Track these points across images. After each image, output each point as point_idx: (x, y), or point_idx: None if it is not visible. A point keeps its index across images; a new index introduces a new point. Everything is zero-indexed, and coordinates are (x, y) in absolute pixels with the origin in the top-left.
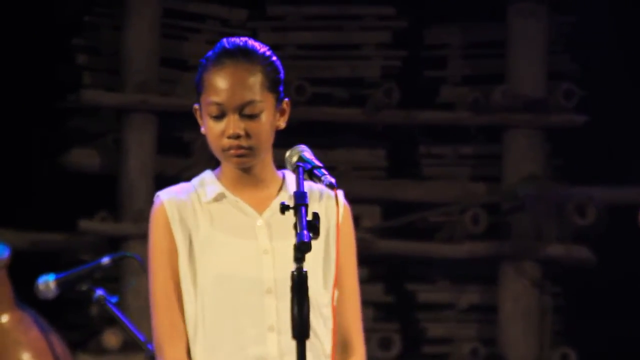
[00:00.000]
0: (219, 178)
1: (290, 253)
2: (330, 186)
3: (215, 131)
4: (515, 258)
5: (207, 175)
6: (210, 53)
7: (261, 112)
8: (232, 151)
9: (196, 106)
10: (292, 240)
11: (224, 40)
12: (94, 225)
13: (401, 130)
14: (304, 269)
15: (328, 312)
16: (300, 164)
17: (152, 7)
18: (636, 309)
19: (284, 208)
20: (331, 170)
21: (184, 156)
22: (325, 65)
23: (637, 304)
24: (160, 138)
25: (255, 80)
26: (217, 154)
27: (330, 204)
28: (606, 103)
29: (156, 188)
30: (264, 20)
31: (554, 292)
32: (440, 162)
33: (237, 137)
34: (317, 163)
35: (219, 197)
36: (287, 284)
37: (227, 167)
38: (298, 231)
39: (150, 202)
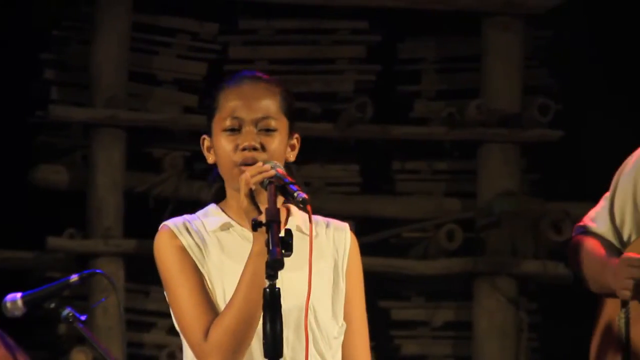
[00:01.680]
0: (224, 209)
1: (300, 284)
2: (303, 202)
3: (229, 147)
4: (491, 274)
5: (212, 207)
6: (225, 80)
7: (276, 130)
8: (247, 164)
9: (205, 136)
10: (302, 271)
11: (241, 71)
12: (63, 243)
13: (375, 145)
14: (277, 287)
15: (337, 343)
16: (273, 180)
17: (121, 21)
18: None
19: (256, 225)
20: (304, 186)
21: (153, 172)
22: (298, 79)
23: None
24: (129, 154)
25: (273, 99)
26: (229, 173)
27: (338, 235)
28: (582, 118)
29: (125, 204)
30: (235, 34)
31: (529, 309)
32: (415, 178)
33: (253, 149)
34: (290, 179)
35: (225, 227)
36: (297, 314)
37: (233, 196)
38: (270, 248)
39: (119, 218)
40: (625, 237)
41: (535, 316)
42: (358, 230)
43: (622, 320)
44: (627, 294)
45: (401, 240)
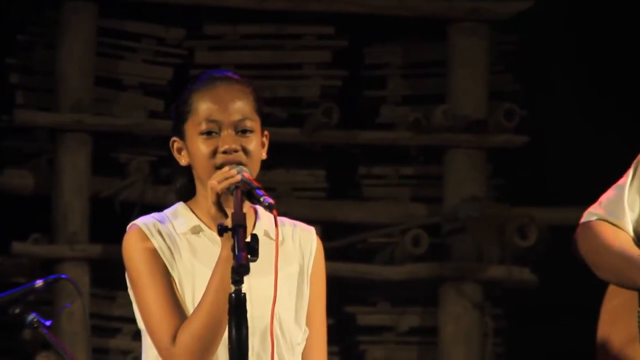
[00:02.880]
0: (193, 210)
1: (266, 291)
2: (269, 207)
3: (207, 150)
4: (456, 279)
5: (180, 207)
6: (194, 82)
7: (253, 131)
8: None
9: (175, 138)
10: (268, 277)
11: (209, 71)
12: (27, 248)
13: (341, 150)
14: (243, 292)
15: (300, 349)
16: (239, 185)
17: (87, 26)
18: (578, 329)
19: (222, 230)
20: (270, 191)
21: (119, 177)
22: (264, 84)
23: (578, 324)
24: (95, 158)
25: (247, 100)
26: (206, 175)
27: (304, 239)
28: (547, 123)
29: (91, 209)
30: (201, 39)
31: (495, 314)
32: (381, 183)
33: (234, 152)
34: (256, 184)
35: (195, 230)
36: (262, 322)
37: (204, 197)
38: (236, 253)
39: (85, 223)
40: (639, 231)
41: (501, 321)
42: (324, 236)
43: None
44: None
45: (367, 245)
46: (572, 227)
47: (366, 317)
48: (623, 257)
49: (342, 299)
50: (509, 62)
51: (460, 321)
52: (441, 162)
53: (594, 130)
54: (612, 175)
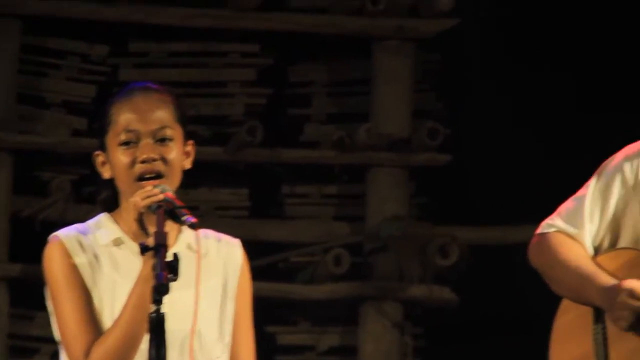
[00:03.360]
0: (116, 222)
1: (186, 306)
2: (192, 226)
3: (126, 160)
4: (377, 299)
5: (103, 218)
6: (115, 94)
7: (173, 139)
8: (146, 176)
9: (97, 152)
10: (189, 290)
11: (130, 83)
12: None
13: (264, 169)
14: (162, 312)
15: None
16: (162, 204)
17: (10, 43)
18: (498, 349)
19: (144, 249)
20: (193, 210)
21: (41, 196)
22: (189, 102)
23: (498, 344)
24: (16, 177)
25: (167, 109)
26: (127, 186)
27: (229, 252)
28: (470, 142)
29: (11, 229)
30: (126, 57)
31: (415, 333)
32: (304, 202)
33: (153, 161)
34: (179, 203)
35: (117, 242)
36: (181, 337)
37: (127, 210)
38: (156, 272)
39: (5, 242)
40: (597, 241)
41: (420, 340)
42: (247, 255)
43: (600, 336)
44: (623, 324)
45: (289, 264)
46: (493, 246)
47: (287, 336)
48: (578, 273)
49: (262, 319)
50: (433, 81)
51: (380, 340)
52: (364, 180)
53: (517, 150)
54: (534, 194)
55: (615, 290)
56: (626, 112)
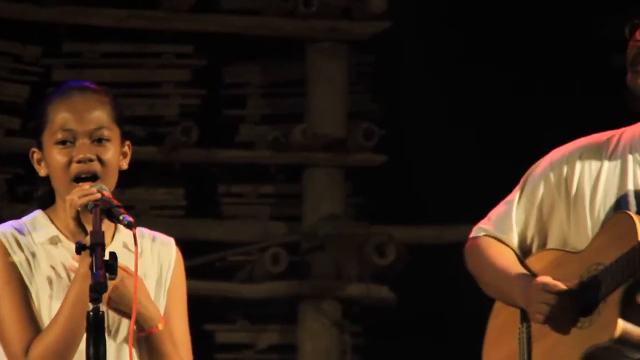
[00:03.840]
0: (52, 220)
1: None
2: (129, 226)
3: (62, 160)
4: (315, 298)
5: (39, 216)
6: (52, 93)
7: (109, 140)
8: (82, 176)
9: (34, 149)
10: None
11: (67, 82)
12: None
13: (200, 169)
14: (101, 311)
15: None
16: (99, 203)
17: None
18: (436, 347)
19: (79, 248)
20: (129, 210)
21: None
22: (124, 103)
23: (436, 342)
24: None
25: (104, 109)
26: (63, 186)
27: (163, 251)
28: (405, 142)
29: None
30: (59, 58)
31: (353, 332)
32: (240, 201)
33: (89, 161)
34: (116, 202)
35: (54, 241)
36: (121, 335)
37: (63, 208)
38: (93, 271)
39: None
40: (527, 244)
41: (359, 339)
42: (183, 254)
43: (524, 335)
44: (540, 318)
45: (226, 263)
46: (429, 245)
47: (225, 334)
48: (504, 275)
49: (201, 317)
50: (368, 82)
51: (319, 339)
52: (300, 180)
53: (452, 150)
54: (470, 194)
55: (531, 286)
56: (562, 110)
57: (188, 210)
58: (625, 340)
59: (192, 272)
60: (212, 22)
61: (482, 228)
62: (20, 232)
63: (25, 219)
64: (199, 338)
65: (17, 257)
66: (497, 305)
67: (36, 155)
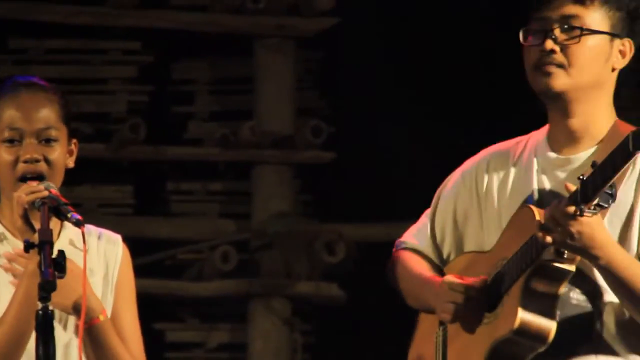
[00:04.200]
0: None
1: None
2: (77, 223)
3: (9, 158)
4: (265, 296)
5: None
6: (0, 88)
7: (57, 140)
8: (28, 177)
9: None
10: None
11: (15, 77)
12: None
13: (149, 166)
14: (50, 309)
15: None
16: (47, 201)
17: None
18: (385, 345)
19: (28, 246)
20: (76, 207)
21: None
22: (70, 100)
23: (386, 340)
24: None
25: (52, 108)
26: (9, 185)
27: (109, 248)
28: (354, 140)
29: None
30: (5, 54)
31: (303, 330)
32: (189, 199)
33: (35, 161)
34: (64, 200)
35: (0, 238)
36: (68, 335)
37: (9, 206)
38: (42, 269)
39: None
40: (445, 255)
41: (309, 337)
42: (132, 252)
43: (440, 339)
44: (447, 317)
45: (176, 261)
46: (379, 243)
47: (175, 333)
48: (419, 282)
49: (151, 316)
50: (316, 79)
51: (269, 337)
52: (249, 178)
53: (400, 147)
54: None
55: (438, 285)
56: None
57: (136, 208)
58: (524, 331)
59: (141, 270)
60: (160, 18)
61: (402, 241)
62: None
63: None
64: (149, 337)
65: None
66: (421, 315)
67: None
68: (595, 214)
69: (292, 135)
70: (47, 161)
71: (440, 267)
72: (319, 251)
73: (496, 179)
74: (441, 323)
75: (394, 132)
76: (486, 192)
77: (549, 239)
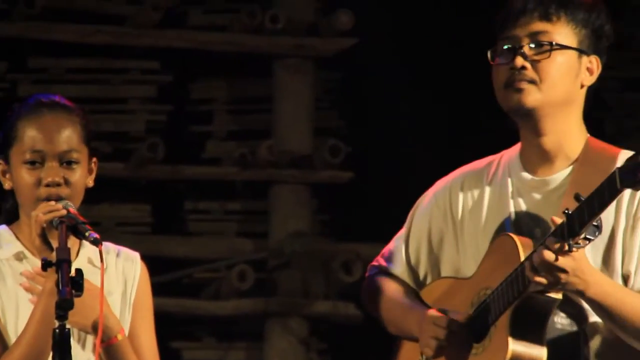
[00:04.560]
0: (17, 236)
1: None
2: (95, 242)
3: (30, 180)
4: (282, 315)
5: (3, 232)
6: (22, 106)
7: (78, 162)
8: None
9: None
10: None
11: (36, 95)
12: None
13: (167, 185)
14: (67, 327)
15: None
16: (65, 220)
17: None
18: None
19: (45, 265)
20: (94, 226)
21: None
22: (89, 119)
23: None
24: None
25: (74, 129)
26: (29, 204)
27: (128, 266)
28: (372, 159)
29: None
30: (24, 73)
31: (320, 349)
32: (207, 218)
33: (57, 185)
34: (82, 218)
35: (19, 257)
36: (87, 354)
37: (27, 224)
38: (60, 288)
39: None
40: (421, 278)
41: (326, 356)
42: (149, 271)
43: None
44: (429, 352)
45: (193, 280)
46: None
47: (192, 352)
48: (399, 309)
49: (167, 334)
50: (334, 99)
51: (286, 356)
52: (267, 197)
53: (417, 167)
54: None
55: (422, 319)
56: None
57: (154, 226)
58: None
59: (159, 289)
60: (179, 38)
61: (374, 266)
62: None
63: None
64: (165, 356)
65: None
66: (402, 340)
67: (1, 167)
68: (582, 247)
69: (310, 155)
70: (67, 183)
71: (416, 290)
72: (336, 271)
73: (471, 201)
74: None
75: (412, 151)
76: (462, 216)
77: (541, 280)
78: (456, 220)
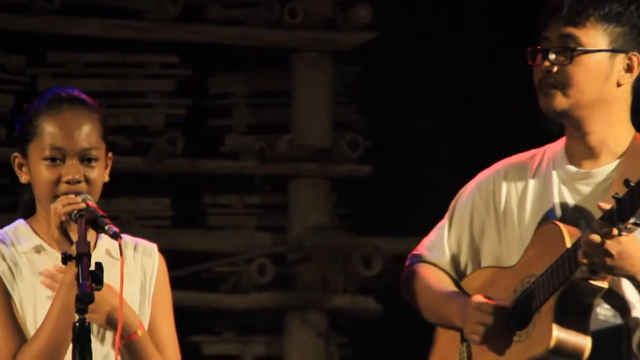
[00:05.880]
0: (34, 229)
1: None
2: (114, 236)
3: (50, 177)
4: (302, 309)
5: (21, 225)
6: (41, 100)
7: (98, 159)
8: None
9: (16, 154)
10: None
11: (54, 89)
12: None
13: (186, 179)
14: (87, 321)
15: None
16: (84, 213)
17: None
18: (421, 359)
19: (66, 258)
20: (114, 220)
21: None
22: (108, 113)
23: (421, 354)
24: None
25: (94, 126)
26: (47, 200)
27: (146, 258)
28: (391, 153)
29: None
30: (43, 67)
31: (340, 343)
32: (226, 212)
33: (77, 182)
34: (101, 212)
35: (37, 249)
36: (106, 346)
37: (46, 217)
38: (80, 281)
39: None
40: (461, 267)
41: (346, 350)
42: (168, 264)
43: (465, 355)
44: (476, 338)
45: (212, 274)
46: None
47: (211, 346)
48: (440, 298)
49: (187, 328)
50: (353, 93)
51: (305, 350)
52: (286, 191)
53: (437, 161)
54: None
55: (466, 306)
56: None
57: (174, 220)
58: (560, 350)
59: (178, 282)
60: (197, 32)
61: (415, 255)
62: (3, 242)
63: (7, 229)
64: (185, 350)
65: (1, 267)
66: (439, 329)
67: (18, 160)
68: (631, 232)
69: (329, 149)
70: (87, 181)
71: (457, 280)
72: (356, 264)
73: (514, 192)
74: (464, 339)
75: (431, 145)
76: (505, 207)
77: (587, 262)
78: (499, 211)
